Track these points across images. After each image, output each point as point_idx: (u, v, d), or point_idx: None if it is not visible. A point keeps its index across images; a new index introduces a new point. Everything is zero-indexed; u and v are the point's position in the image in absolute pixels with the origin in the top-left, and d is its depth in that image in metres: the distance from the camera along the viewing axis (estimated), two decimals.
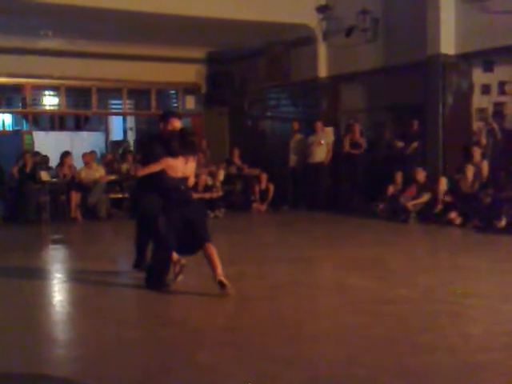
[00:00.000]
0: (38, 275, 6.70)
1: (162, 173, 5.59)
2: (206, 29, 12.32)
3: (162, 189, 5.63)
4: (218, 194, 12.02)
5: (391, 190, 10.70)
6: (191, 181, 5.80)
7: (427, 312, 5.02)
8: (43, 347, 4.35)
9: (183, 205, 5.60)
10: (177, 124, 5.85)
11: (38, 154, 12.65)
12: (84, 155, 12.28)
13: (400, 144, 11.12)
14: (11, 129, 15.20)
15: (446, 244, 8.61)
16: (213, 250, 5.48)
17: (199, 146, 6.32)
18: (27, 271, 6.88)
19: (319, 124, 12.42)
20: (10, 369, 3.88)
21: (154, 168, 5.63)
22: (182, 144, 5.60)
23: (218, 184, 12.41)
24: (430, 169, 10.57)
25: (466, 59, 10.57)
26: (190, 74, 15.01)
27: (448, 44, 10.54)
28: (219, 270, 5.41)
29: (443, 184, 10.08)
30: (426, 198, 10.18)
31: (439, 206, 9.98)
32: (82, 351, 4.26)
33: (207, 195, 11.53)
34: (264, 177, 12.71)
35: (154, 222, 5.70)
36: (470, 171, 9.83)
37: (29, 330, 4.71)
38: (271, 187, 12.68)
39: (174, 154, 5.60)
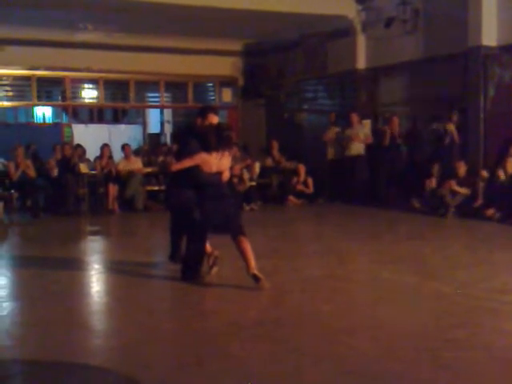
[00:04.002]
0: (76, 266, 6.82)
1: (197, 168, 5.61)
2: (242, 21, 12.30)
3: (197, 184, 5.65)
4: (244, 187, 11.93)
5: (429, 183, 10.54)
6: (226, 176, 5.80)
7: (463, 308, 4.94)
8: (80, 337, 4.41)
9: (217, 199, 5.60)
10: (214, 120, 5.88)
11: (79, 146, 12.84)
12: (124, 146, 12.43)
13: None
14: (51, 121, 15.47)
15: (484, 239, 8.44)
16: (246, 244, 5.48)
17: (235, 141, 6.30)
18: (66, 262, 7.01)
19: (355, 116, 12.26)
20: (47, 358, 3.96)
21: (189, 163, 5.63)
22: (218, 139, 5.60)
23: (255, 177, 12.40)
24: (471, 162, 10.37)
25: (508, 51, 10.32)
26: (227, 66, 15.04)
27: (490, 35, 10.30)
28: (252, 263, 5.41)
29: (484, 178, 9.89)
30: (465, 191, 10.01)
31: (479, 201, 9.79)
32: (117, 341, 4.32)
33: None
34: (302, 169, 12.63)
35: (188, 216, 5.74)
36: (510, 164, 9.61)
37: (67, 320, 4.79)
38: (310, 181, 12.61)
39: (209, 150, 5.61)
